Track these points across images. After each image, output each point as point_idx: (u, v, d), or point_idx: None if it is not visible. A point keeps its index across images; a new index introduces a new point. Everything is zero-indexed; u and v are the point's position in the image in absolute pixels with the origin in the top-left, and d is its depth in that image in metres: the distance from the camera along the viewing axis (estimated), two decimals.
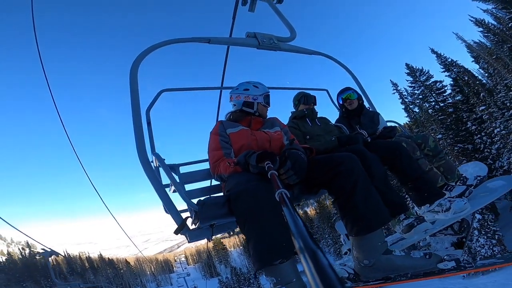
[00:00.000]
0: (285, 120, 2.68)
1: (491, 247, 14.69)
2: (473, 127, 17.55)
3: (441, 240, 2.13)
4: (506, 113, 15.81)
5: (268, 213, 1.21)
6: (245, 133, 1.81)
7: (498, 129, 15.93)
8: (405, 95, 21.17)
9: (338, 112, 3.21)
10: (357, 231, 1.36)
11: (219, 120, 1.97)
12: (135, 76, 1.81)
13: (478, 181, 2.38)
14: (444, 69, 20.20)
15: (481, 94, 17.24)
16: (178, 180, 2.16)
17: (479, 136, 17.17)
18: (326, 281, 0.34)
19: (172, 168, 2.23)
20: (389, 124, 2.95)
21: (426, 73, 19.70)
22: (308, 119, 2.55)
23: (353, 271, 1.55)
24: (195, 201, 1.42)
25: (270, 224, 1.20)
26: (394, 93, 21.66)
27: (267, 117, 2.10)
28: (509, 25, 15.03)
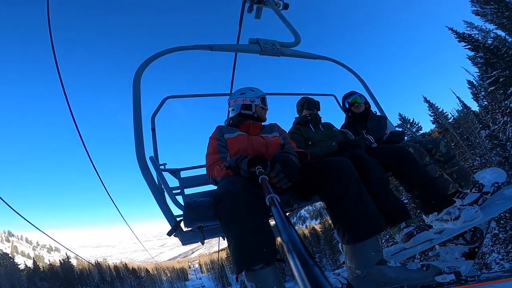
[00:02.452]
0: (289, 126, 2.66)
1: None
2: None
3: (451, 250, 1.98)
4: None
5: (250, 217, 1.19)
6: (242, 138, 1.81)
7: None
8: None
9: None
10: (348, 240, 1.30)
11: (218, 125, 1.98)
12: (138, 84, 1.86)
13: (495, 188, 2.21)
14: (433, 120, 20.01)
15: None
16: (178, 184, 2.20)
17: None
18: (315, 283, 0.33)
19: (174, 173, 2.27)
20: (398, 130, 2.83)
21: (417, 125, 19.74)
22: (311, 124, 2.50)
23: (346, 282, 1.47)
24: None
25: (251, 229, 1.18)
26: None
27: (267, 123, 2.09)
28: (488, 89, 14.51)
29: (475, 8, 16.72)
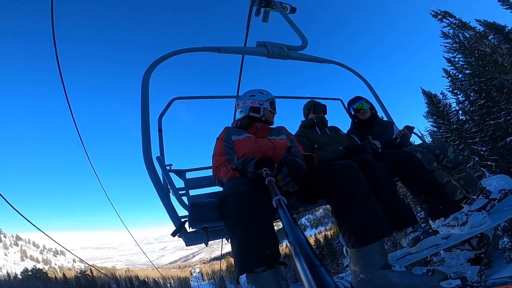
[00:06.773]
0: (296, 129, 2.65)
1: None
2: None
3: (456, 255, 1.96)
4: None
5: (255, 219, 1.19)
6: (249, 140, 1.81)
7: None
8: None
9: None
10: (353, 243, 1.29)
11: (226, 126, 1.99)
12: (146, 85, 1.88)
13: (502, 195, 2.19)
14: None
15: None
16: (184, 185, 2.21)
17: None
18: (321, 285, 0.32)
19: (179, 174, 2.28)
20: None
21: None
22: (318, 127, 2.48)
23: (350, 286, 1.46)
24: None
25: (255, 231, 1.17)
26: None
27: (275, 126, 2.09)
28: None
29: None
